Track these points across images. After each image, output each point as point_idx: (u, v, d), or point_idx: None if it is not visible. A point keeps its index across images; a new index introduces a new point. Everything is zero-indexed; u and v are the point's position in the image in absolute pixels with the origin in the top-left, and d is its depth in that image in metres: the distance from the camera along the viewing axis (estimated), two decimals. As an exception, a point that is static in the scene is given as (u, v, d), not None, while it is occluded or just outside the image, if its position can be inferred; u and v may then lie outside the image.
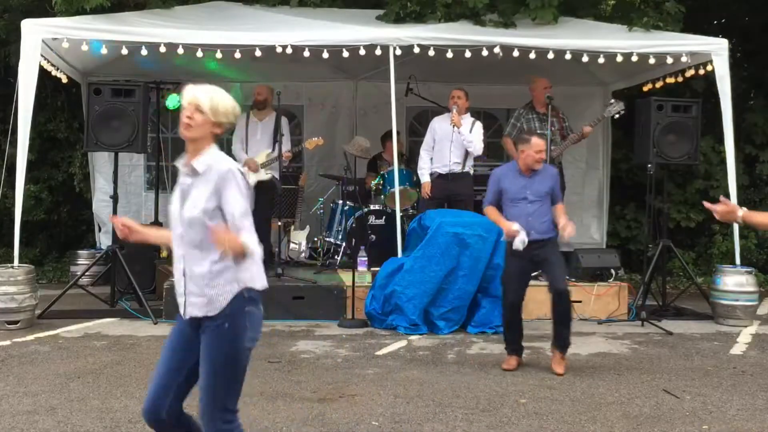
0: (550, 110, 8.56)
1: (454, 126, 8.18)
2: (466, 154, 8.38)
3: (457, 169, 8.36)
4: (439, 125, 8.49)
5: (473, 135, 8.29)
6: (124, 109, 7.79)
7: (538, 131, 8.55)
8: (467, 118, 8.37)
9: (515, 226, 5.86)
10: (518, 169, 6.05)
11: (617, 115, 8.61)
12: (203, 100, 3.17)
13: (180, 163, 3.24)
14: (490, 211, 6.13)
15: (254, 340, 3.25)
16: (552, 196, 6.04)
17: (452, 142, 8.31)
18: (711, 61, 8.27)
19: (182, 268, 3.25)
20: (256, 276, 3.21)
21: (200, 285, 3.16)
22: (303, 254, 9.32)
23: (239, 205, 3.08)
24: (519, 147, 6.13)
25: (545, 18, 8.51)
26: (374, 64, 8.73)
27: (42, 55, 7.69)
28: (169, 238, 3.30)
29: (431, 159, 8.46)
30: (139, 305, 7.70)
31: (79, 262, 9.55)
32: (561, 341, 5.95)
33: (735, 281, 7.91)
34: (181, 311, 3.26)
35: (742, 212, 3.94)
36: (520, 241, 5.83)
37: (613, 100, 8.68)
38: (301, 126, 10.74)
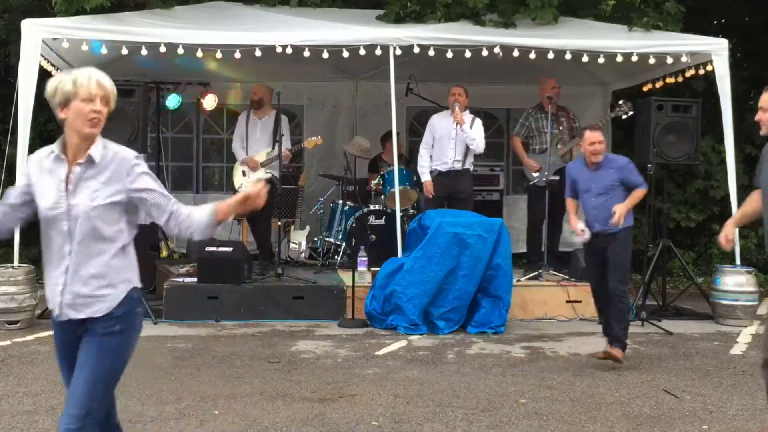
0: (560, 110, 8.59)
1: (457, 124, 8.18)
2: (467, 151, 8.38)
3: (458, 166, 8.37)
4: (438, 123, 8.49)
5: (475, 132, 8.30)
6: (123, 109, 7.78)
7: (545, 130, 8.59)
8: (467, 115, 8.37)
9: (580, 225, 6.17)
10: (585, 163, 6.26)
11: (625, 116, 8.62)
12: (110, 89, 2.93)
13: (57, 153, 2.95)
14: (568, 203, 6.48)
15: (137, 343, 3.06)
16: (625, 186, 6.13)
17: (453, 140, 8.31)
18: (711, 61, 8.27)
19: (66, 266, 2.90)
20: (137, 274, 3.06)
21: (91, 284, 2.90)
22: (303, 254, 9.32)
23: (161, 188, 2.96)
24: (580, 143, 6.49)
25: (545, 18, 8.51)
26: (374, 64, 8.73)
27: (42, 55, 7.69)
28: None
29: (431, 157, 8.47)
30: (139, 305, 7.69)
31: (79, 262, 9.54)
32: (613, 336, 6.16)
33: (735, 281, 7.91)
34: (56, 312, 2.96)
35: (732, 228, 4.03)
36: (583, 240, 6.20)
37: (621, 101, 8.69)
38: (301, 126, 10.74)
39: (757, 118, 4.25)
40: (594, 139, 6.11)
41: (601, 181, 6.14)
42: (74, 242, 2.88)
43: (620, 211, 5.97)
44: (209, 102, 9.92)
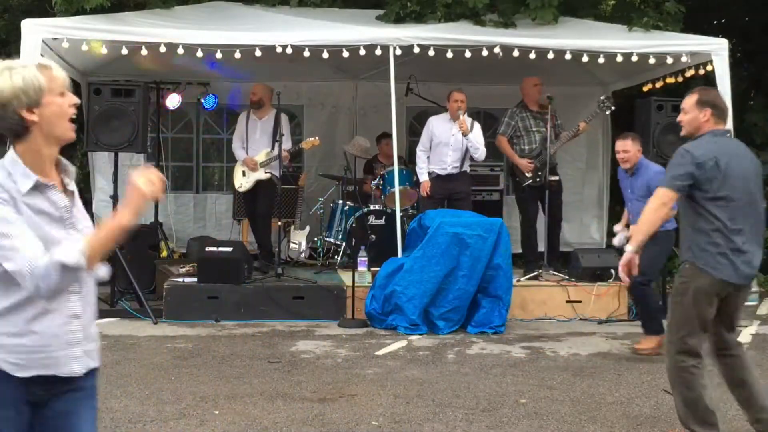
0: (543, 108, 8.57)
1: (463, 134, 8.22)
2: (465, 155, 8.40)
3: (456, 171, 8.41)
4: (437, 127, 8.47)
5: (477, 139, 8.33)
6: (124, 109, 7.79)
7: (533, 129, 8.59)
8: (466, 119, 8.39)
9: (617, 227, 6.63)
10: (626, 169, 6.61)
11: (608, 111, 8.62)
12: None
13: (36, 178, 2.23)
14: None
15: None
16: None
17: (450, 146, 8.35)
18: (711, 61, 8.27)
19: (76, 310, 2.34)
20: None
21: (94, 327, 2.44)
22: (303, 254, 9.32)
23: None
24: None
25: (545, 18, 8.51)
26: (374, 64, 8.73)
27: (42, 55, 7.68)
28: None
29: (428, 158, 8.48)
30: (139, 305, 7.70)
31: (79, 263, 9.53)
32: (642, 324, 6.61)
33: (735, 281, 7.90)
34: (69, 368, 2.30)
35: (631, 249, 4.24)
36: (617, 240, 6.49)
37: (603, 96, 8.70)
38: (301, 126, 10.74)
39: (678, 119, 4.38)
40: (619, 148, 6.52)
41: (637, 186, 6.43)
42: (83, 279, 2.34)
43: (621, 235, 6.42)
44: (172, 101, 9.74)
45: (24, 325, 2.23)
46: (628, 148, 6.45)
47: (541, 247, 8.61)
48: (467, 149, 8.36)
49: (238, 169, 8.76)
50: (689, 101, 4.31)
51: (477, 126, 8.48)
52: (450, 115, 8.40)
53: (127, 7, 9.02)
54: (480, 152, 8.34)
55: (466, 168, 8.54)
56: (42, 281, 2.12)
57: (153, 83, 9.51)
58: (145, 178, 2.19)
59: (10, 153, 2.24)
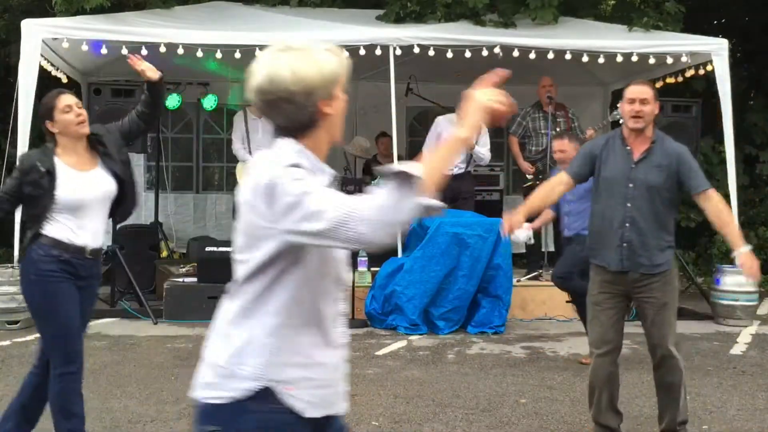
0: (559, 109, 8.58)
1: (470, 148, 8.25)
2: (470, 156, 8.42)
3: (462, 171, 8.43)
4: (445, 129, 8.42)
5: (483, 146, 8.36)
6: (124, 110, 7.72)
7: (542, 131, 8.59)
8: None
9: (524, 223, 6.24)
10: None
11: (621, 121, 8.60)
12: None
13: (335, 173, 2.12)
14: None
15: None
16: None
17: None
18: (711, 61, 8.28)
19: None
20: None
21: None
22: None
23: None
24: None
25: (545, 18, 8.52)
26: (374, 64, 8.72)
27: (42, 55, 7.70)
28: None
29: None
30: (139, 305, 7.69)
31: (79, 262, 9.52)
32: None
33: (735, 281, 7.91)
34: (340, 406, 2.04)
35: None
36: (522, 234, 5.90)
37: (618, 105, 8.67)
38: (302, 126, 10.73)
39: (638, 109, 4.23)
40: (556, 148, 6.28)
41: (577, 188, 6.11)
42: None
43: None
44: (172, 101, 9.68)
45: (311, 354, 1.94)
46: (564, 147, 6.13)
47: (544, 247, 8.62)
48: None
49: (243, 169, 8.74)
50: (651, 93, 4.20)
51: (484, 131, 8.46)
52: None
53: (127, 7, 9.02)
54: (485, 161, 8.47)
55: (470, 168, 8.56)
56: (377, 223, 1.78)
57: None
58: (490, 96, 1.94)
59: (289, 144, 1.95)
